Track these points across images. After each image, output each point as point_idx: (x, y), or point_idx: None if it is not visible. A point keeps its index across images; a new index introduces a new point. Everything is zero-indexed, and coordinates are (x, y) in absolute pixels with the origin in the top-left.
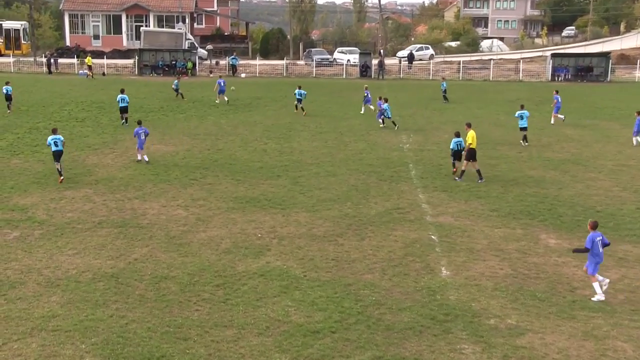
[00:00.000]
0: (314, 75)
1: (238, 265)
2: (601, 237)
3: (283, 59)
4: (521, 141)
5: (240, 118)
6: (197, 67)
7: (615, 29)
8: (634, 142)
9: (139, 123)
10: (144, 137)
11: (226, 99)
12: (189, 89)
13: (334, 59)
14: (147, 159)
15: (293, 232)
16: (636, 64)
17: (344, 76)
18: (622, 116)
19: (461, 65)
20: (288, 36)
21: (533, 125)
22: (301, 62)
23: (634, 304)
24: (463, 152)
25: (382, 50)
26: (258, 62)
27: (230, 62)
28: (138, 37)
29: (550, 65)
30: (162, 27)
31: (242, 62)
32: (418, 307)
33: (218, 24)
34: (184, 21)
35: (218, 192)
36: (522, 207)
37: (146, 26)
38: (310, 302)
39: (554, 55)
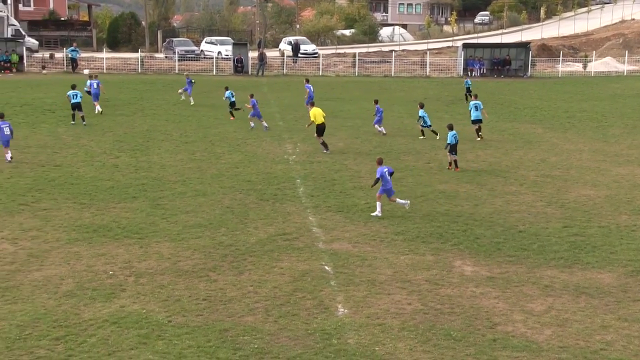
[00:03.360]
0: (177, 71)
1: (84, 311)
2: (387, 169)
3: (137, 51)
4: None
5: (84, 126)
6: (24, 61)
7: (534, 14)
8: (378, 131)
9: (1, 116)
10: (9, 132)
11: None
12: (14, 88)
13: (201, 51)
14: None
15: (154, 268)
16: (559, 56)
17: (214, 72)
18: (545, 118)
19: (356, 58)
20: (143, 23)
21: (444, 129)
22: (160, 54)
23: (562, 340)
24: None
25: (261, 41)
26: (105, 54)
27: (69, 55)
28: None
29: (462, 58)
30: None
31: (84, 54)
32: (310, 355)
33: (52, 6)
34: (4, 1)
35: (56, 219)
36: (433, 228)
37: None
38: (177, 354)
39: (465, 46)
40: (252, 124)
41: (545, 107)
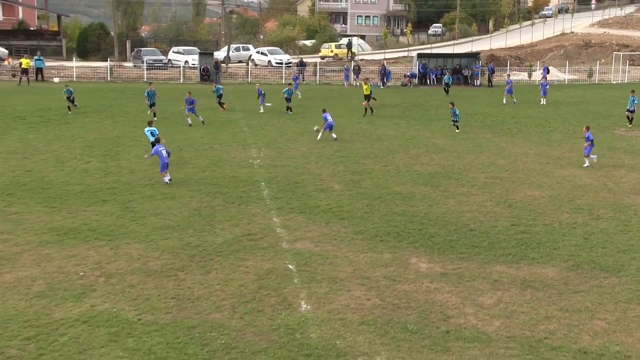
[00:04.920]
0: (145, 79)
1: (55, 311)
2: (163, 148)
3: (106, 60)
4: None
5: (55, 132)
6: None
7: (483, 27)
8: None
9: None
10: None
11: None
12: None
13: (169, 60)
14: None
15: (124, 268)
16: (506, 66)
17: (181, 80)
18: (494, 123)
19: (318, 67)
20: (112, 33)
21: (400, 135)
22: (129, 63)
23: (509, 331)
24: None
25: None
26: (75, 63)
27: (32, 64)
28: None
29: (417, 67)
30: None
31: (55, 63)
32: (275, 349)
33: (21, 16)
34: None
35: (27, 223)
36: (390, 228)
37: None
38: (147, 351)
39: (420, 56)
40: (189, 120)
41: (494, 114)
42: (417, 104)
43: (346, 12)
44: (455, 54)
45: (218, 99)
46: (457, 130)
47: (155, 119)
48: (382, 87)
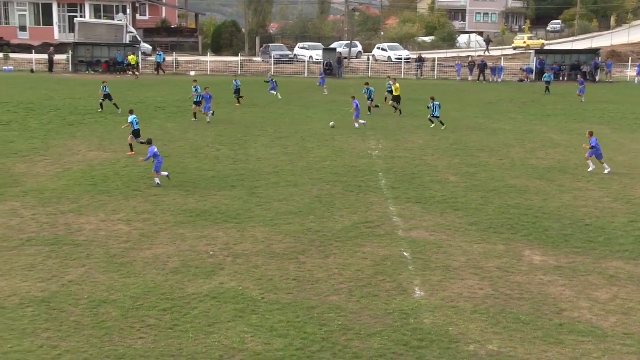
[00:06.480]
0: (273, 73)
1: (187, 286)
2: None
3: (237, 55)
4: None
5: (190, 122)
6: (140, 64)
7: (605, 23)
8: (357, 125)
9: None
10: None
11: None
12: (130, 88)
13: (295, 55)
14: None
15: (249, 250)
16: (628, 62)
17: (306, 75)
18: (613, 119)
19: (436, 62)
20: (243, 30)
21: (516, 129)
22: (258, 58)
23: (626, 327)
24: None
25: (339, 46)
26: (209, 58)
27: (155, 59)
28: (72, 29)
29: (534, 63)
30: (100, 17)
31: (191, 58)
32: (389, 332)
33: (164, 15)
34: (124, 11)
35: (165, 204)
36: (504, 220)
37: (81, 16)
38: (269, 328)
39: (538, 52)
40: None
41: (613, 110)
42: (534, 100)
43: (465, 9)
44: (574, 50)
45: (236, 94)
46: (432, 125)
47: (209, 119)
48: (481, 82)
